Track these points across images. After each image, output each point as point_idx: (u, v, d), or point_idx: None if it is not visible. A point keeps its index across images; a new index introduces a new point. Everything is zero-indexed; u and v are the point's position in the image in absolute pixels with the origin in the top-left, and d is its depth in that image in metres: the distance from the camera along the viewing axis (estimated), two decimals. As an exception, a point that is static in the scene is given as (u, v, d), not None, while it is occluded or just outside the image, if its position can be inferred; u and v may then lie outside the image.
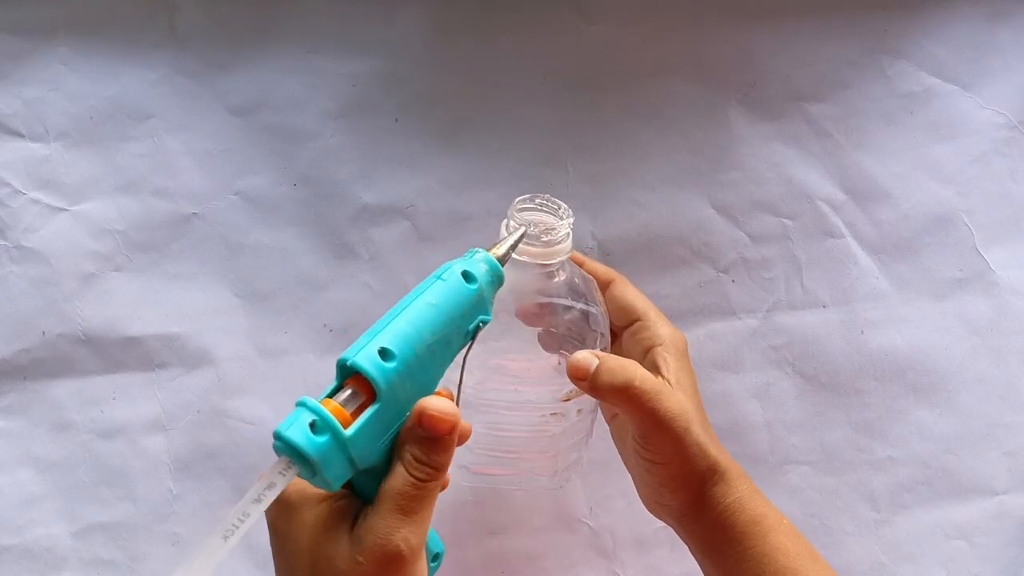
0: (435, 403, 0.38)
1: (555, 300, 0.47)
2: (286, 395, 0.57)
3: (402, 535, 0.37)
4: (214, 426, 0.57)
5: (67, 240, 0.57)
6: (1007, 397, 0.58)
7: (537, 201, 0.46)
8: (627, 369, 0.43)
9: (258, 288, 0.58)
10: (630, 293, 0.49)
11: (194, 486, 0.57)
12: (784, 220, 0.59)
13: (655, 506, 0.47)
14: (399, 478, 0.38)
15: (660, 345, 0.47)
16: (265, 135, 0.58)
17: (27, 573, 0.56)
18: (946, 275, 0.59)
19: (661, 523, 0.56)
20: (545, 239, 0.45)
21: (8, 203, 0.57)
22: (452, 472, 0.44)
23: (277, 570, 0.39)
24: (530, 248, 0.45)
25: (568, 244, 0.46)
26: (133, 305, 0.57)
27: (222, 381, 0.57)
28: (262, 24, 0.58)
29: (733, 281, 0.58)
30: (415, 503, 0.37)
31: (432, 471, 0.38)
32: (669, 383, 0.45)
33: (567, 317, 0.47)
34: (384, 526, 0.37)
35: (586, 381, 0.43)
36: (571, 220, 0.46)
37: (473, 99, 0.59)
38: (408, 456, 0.38)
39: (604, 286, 0.50)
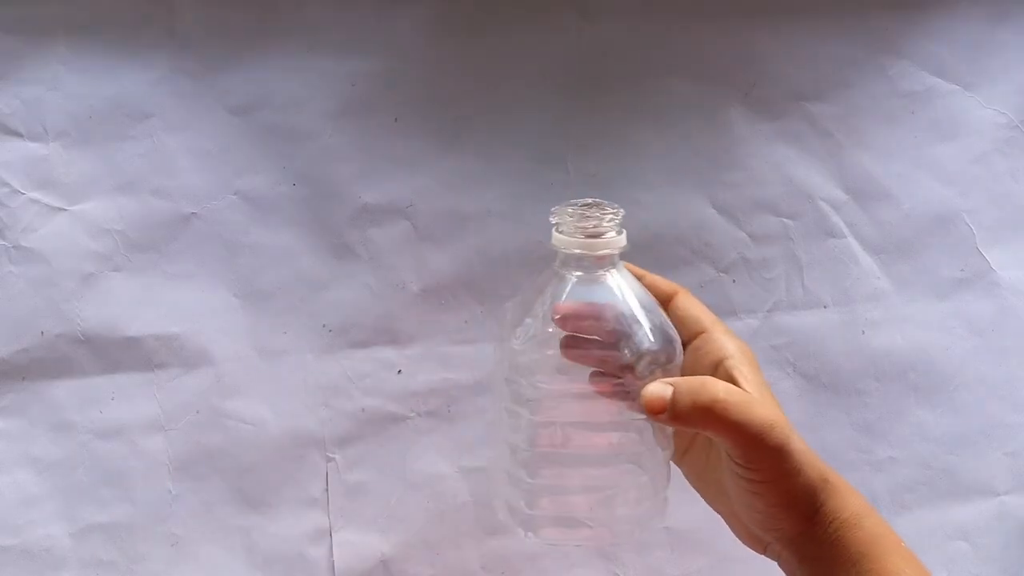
0: None
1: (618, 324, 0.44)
2: (285, 395, 0.57)
3: None
4: (213, 426, 0.57)
5: (66, 240, 0.57)
6: (1008, 397, 0.58)
7: (581, 205, 0.44)
8: (707, 385, 0.39)
9: (257, 288, 0.58)
10: (694, 306, 0.46)
11: (193, 487, 0.57)
12: (785, 220, 0.59)
13: (764, 534, 0.42)
14: None
15: (731, 357, 0.43)
16: (265, 135, 0.58)
17: (26, 574, 0.56)
18: (947, 275, 0.58)
19: (662, 524, 0.56)
20: (592, 226, 0.43)
21: (7, 203, 0.57)
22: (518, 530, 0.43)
23: None
24: (574, 239, 0.43)
25: (621, 238, 0.44)
26: (132, 305, 0.57)
27: (221, 381, 0.57)
28: (262, 24, 0.58)
29: (734, 281, 0.58)
30: None
31: None
32: (760, 396, 0.41)
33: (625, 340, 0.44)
34: None
35: (665, 413, 0.39)
36: (620, 210, 0.44)
37: (473, 99, 0.58)
38: None
39: (667, 300, 0.47)
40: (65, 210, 0.57)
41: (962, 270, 0.58)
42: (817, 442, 0.57)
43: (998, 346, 0.58)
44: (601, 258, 0.44)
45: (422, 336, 0.57)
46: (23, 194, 0.57)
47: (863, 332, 0.58)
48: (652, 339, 0.43)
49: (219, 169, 0.58)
